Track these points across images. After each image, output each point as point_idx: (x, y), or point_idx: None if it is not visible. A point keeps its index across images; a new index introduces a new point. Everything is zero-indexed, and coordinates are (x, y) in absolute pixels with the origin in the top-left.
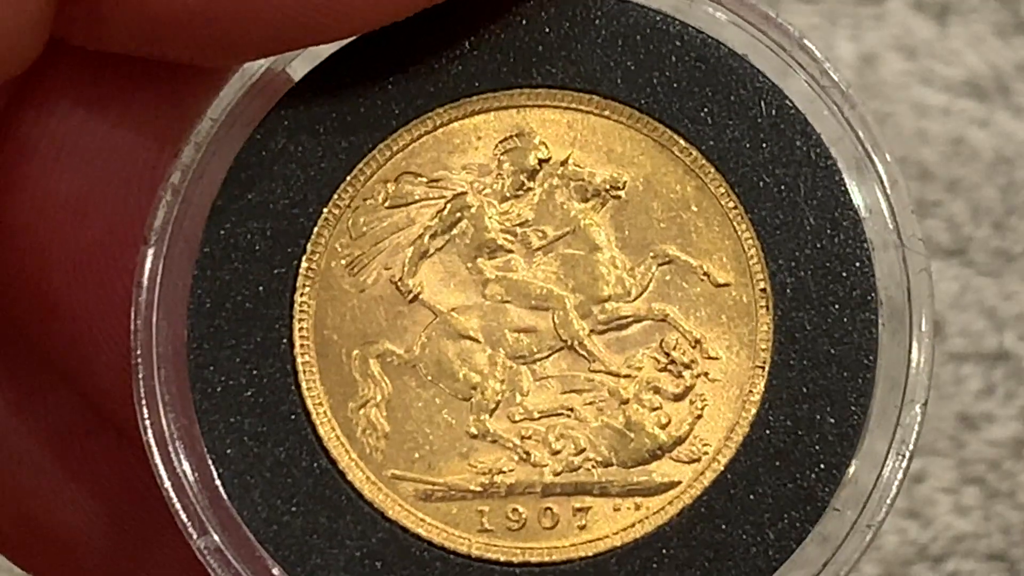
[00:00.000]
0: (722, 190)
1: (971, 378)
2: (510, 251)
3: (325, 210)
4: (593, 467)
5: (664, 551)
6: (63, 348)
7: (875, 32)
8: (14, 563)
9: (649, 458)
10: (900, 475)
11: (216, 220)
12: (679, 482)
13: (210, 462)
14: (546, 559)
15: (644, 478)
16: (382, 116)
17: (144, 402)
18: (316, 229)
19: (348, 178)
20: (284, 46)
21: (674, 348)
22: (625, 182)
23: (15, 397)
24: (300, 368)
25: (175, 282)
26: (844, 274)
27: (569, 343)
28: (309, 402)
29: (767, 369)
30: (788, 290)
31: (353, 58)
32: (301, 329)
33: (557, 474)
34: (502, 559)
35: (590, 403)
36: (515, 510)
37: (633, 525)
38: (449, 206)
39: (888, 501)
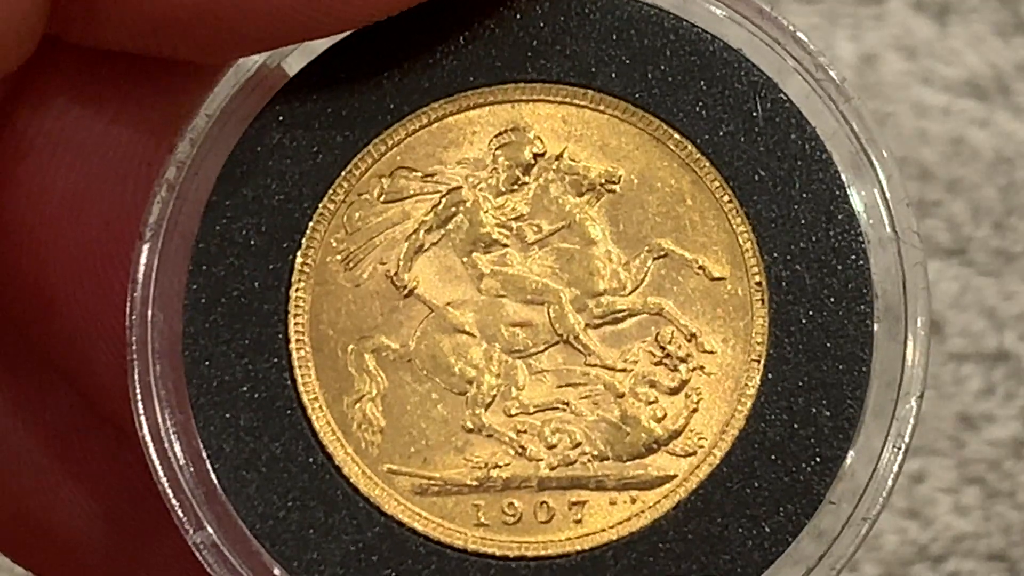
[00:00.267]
0: (717, 184)
1: (971, 378)
2: (505, 245)
3: (320, 205)
4: (589, 461)
5: (660, 545)
6: (60, 345)
7: (875, 32)
8: (13, 561)
9: (645, 452)
10: (896, 468)
11: (211, 216)
12: (675, 476)
13: (206, 457)
14: (542, 553)
15: (640, 472)
16: (377, 111)
17: (140, 397)
18: (311, 224)
19: (343, 173)
20: (279, 42)
21: (670, 342)
22: (620, 176)
23: (13, 396)
24: (296, 363)
25: (171, 278)
26: (839, 268)
27: (565, 337)
28: (305, 397)
29: (763, 363)
30: (783, 284)
31: (348, 53)
32: (296, 324)
33: (553, 468)
34: (498, 553)
35: (586, 397)
36: (511, 504)
37: (629, 519)
38: (444, 201)
39: (884, 495)
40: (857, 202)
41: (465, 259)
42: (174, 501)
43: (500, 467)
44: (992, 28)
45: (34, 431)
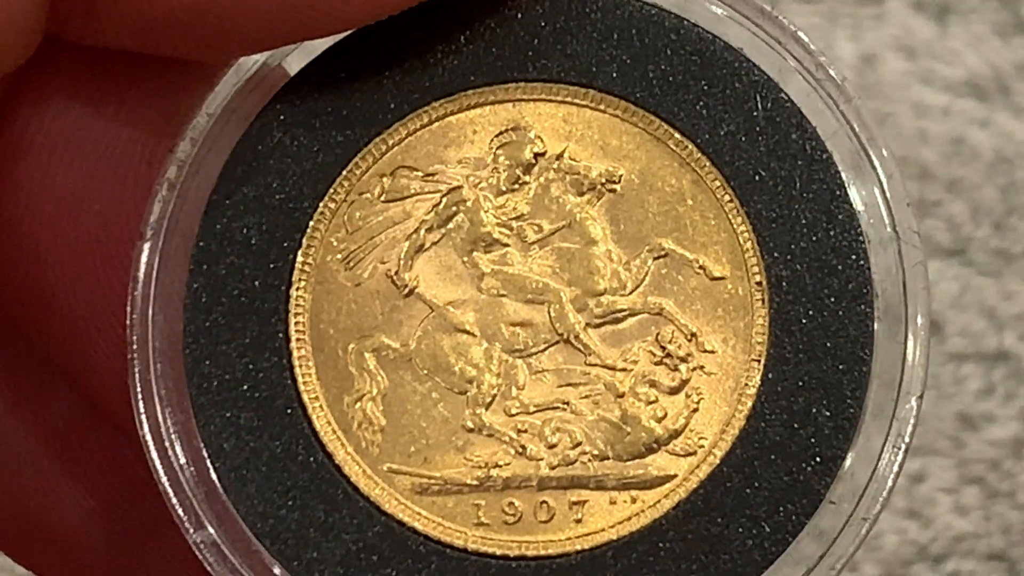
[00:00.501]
0: (718, 184)
1: (971, 378)
2: (506, 245)
3: (321, 204)
4: (589, 461)
5: (660, 544)
6: (60, 344)
7: (875, 32)
8: (14, 560)
9: (645, 451)
10: (896, 468)
11: (212, 215)
12: (675, 475)
13: (206, 456)
14: (542, 552)
15: (640, 471)
16: (378, 110)
17: (140, 397)
18: (312, 223)
19: (344, 172)
20: (279, 41)
21: (670, 341)
22: (621, 176)
23: (13, 395)
24: (296, 362)
25: (171, 277)
26: (840, 267)
27: (565, 337)
28: (305, 396)
29: (763, 362)
30: (784, 283)
31: (349, 52)
32: (297, 323)
33: (553, 468)
34: (498, 553)
35: (586, 397)
36: (511, 504)
37: (629, 518)
38: (445, 200)
39: (884, 494)
40: (857, 202)
41: (466, 258)
42: (174, 500)
43: (500, 467)
44: (992, 28)
45: (34, 431)
